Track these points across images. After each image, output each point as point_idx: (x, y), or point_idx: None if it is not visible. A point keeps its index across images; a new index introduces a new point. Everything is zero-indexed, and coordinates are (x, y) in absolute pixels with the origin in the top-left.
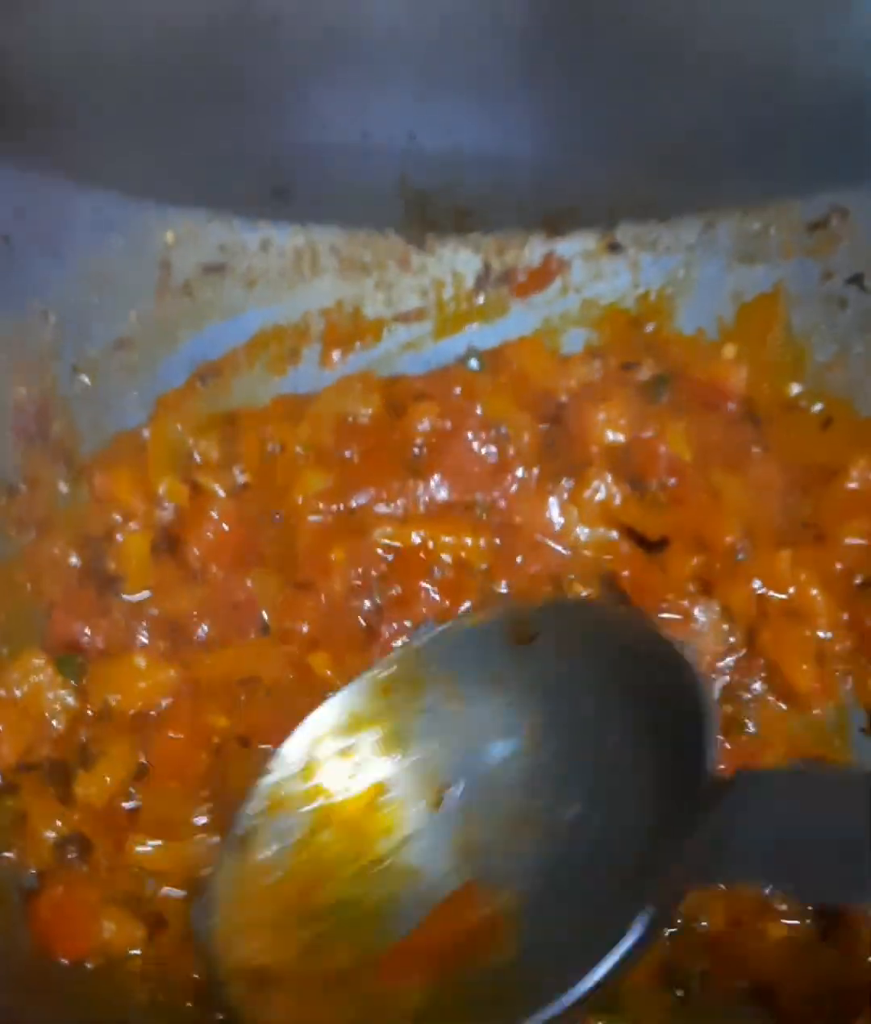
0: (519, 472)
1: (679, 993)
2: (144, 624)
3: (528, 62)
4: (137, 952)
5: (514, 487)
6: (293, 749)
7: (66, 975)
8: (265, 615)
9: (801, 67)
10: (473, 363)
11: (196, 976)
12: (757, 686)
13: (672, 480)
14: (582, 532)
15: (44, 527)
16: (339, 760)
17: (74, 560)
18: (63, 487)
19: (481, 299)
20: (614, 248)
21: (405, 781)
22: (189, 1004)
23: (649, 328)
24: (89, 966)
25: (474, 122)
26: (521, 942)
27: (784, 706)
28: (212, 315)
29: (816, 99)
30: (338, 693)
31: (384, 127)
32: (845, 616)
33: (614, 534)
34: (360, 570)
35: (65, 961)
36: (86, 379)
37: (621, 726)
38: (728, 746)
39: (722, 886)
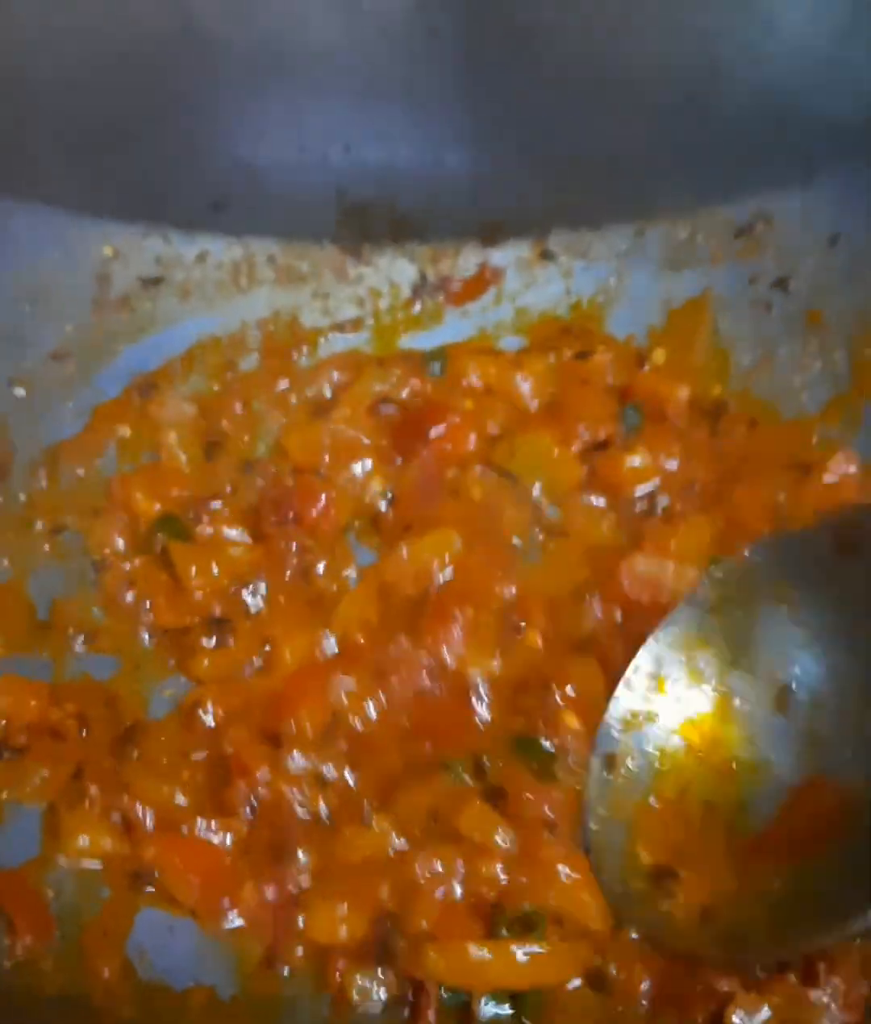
0: None
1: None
2: None
3: (461, 75)
4: None
5: None
6: (639, 668)
7: None
8: None
9: (727, 79)
10: (435, 367)
11: (106, 973)
12: None
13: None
14: None
15: None
16: (684, 675)
17: None
18: None
19: (417, 308)
20: (547, 257)
21: (747, 687)
22: (97, 1000)
23: None
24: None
25: (409, 134)
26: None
27: None
28: (149, 327)
29: (742, 109)
30: (675, 613)
31: (320, 140)
32: None
33: None
34: None
35: None
36: (21, 391)
37: None
38: None
39: None
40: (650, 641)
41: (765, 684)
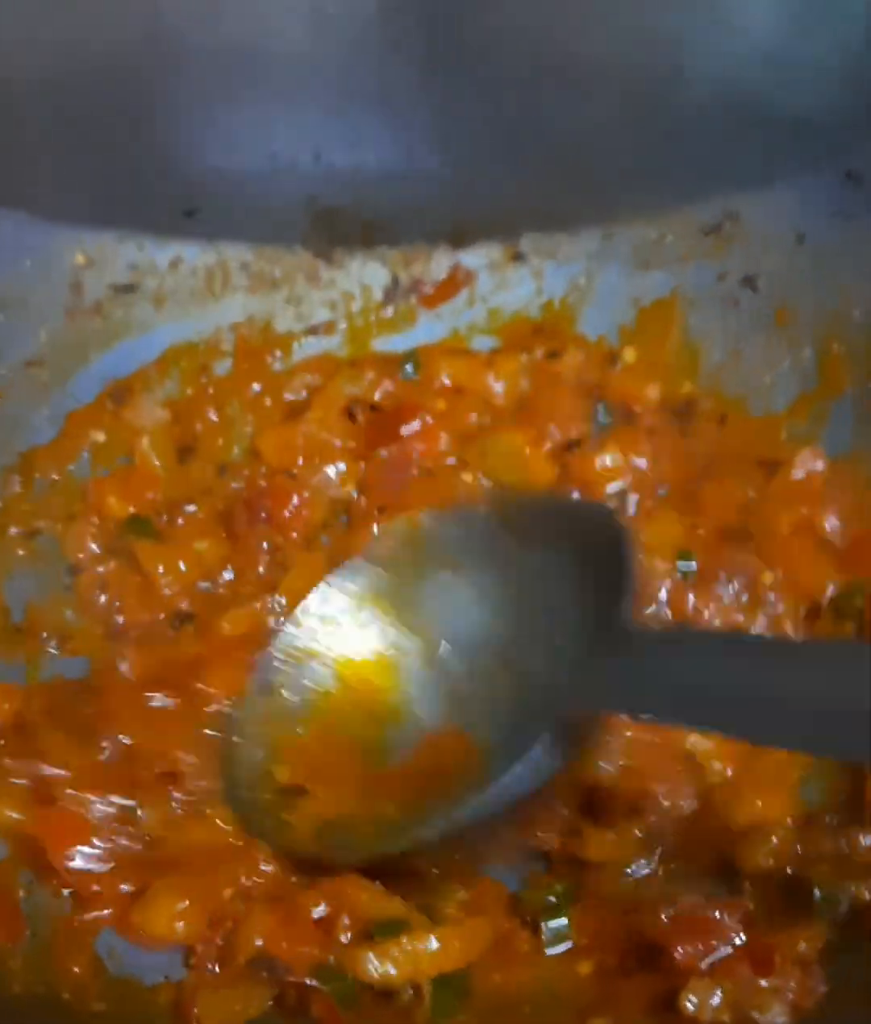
0: None
1: None
2: None
3: (429, 79)
4: None
5: None
6: (310, 609)
7: None
8: None
9: (691, 77)
10: (409, 368)
11: (75, 969)
12: None
13: None
14: None
15: None
16: (350, 622)
17: None
18: None
19: (390, 311)
20: (518, 258)
21: (405, 641)
22: (66, 995)
23: None
24: None
25: (379, 138)
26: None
27: None
28: (123, 333)
29: (707, 108)
30: (351, 563)
31: (291, 146)
32: None
33: None
34: None
35: None
36: None
37: (571, 591)
38: None
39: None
40: (324, 585)
41: (421, 640)
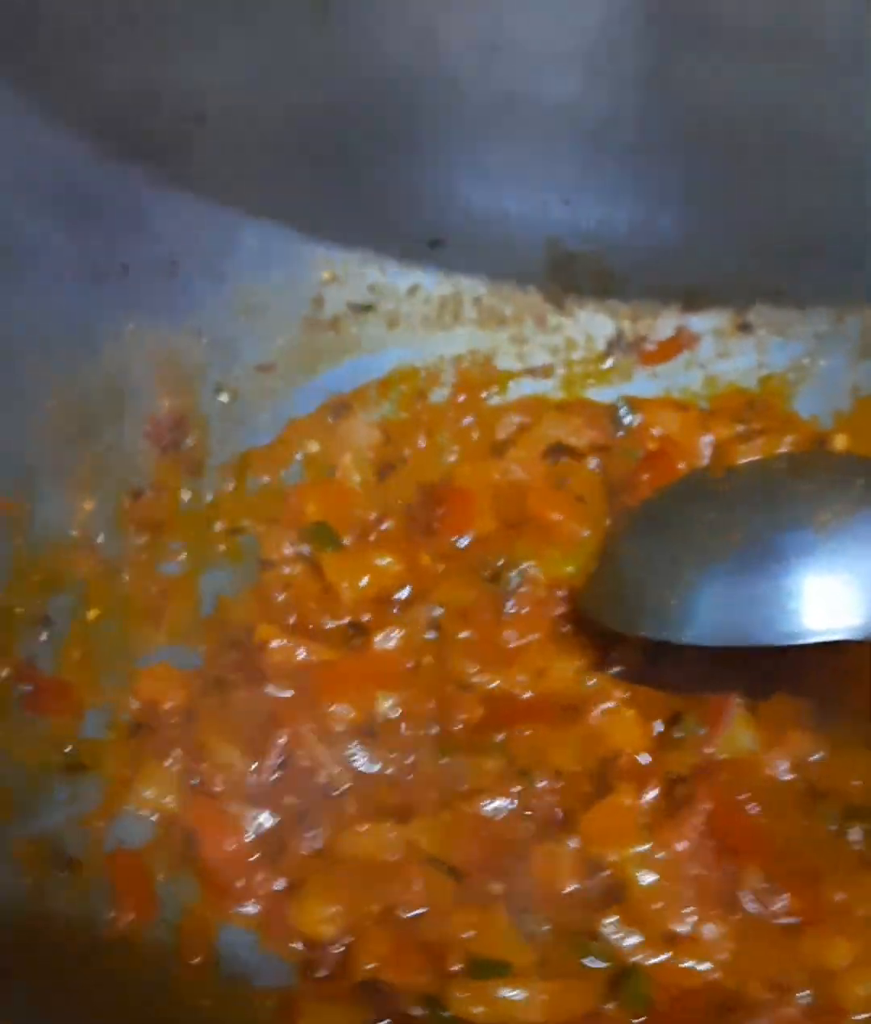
0: None
1: None
2: None
3: (682, 142)
4: None
5: None
6: None
7: None
8: None
9: None
10: (626, 417)
11: (195, 960)
12: None
13: None
14: None
15: (158, 530)
16: None
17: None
18: (185, 495)
19: (609, 363)
20: (745, 328)
21: None
22: (178, 985)
23: None
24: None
25: (627, 194)
26: None
27: None
28: (352, 350)
29: None
30: None
31: (542, 190)
32: None
33: None
34: None
35: None
36: (225, 398)
37: None
38: None
39: None
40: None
41: None
